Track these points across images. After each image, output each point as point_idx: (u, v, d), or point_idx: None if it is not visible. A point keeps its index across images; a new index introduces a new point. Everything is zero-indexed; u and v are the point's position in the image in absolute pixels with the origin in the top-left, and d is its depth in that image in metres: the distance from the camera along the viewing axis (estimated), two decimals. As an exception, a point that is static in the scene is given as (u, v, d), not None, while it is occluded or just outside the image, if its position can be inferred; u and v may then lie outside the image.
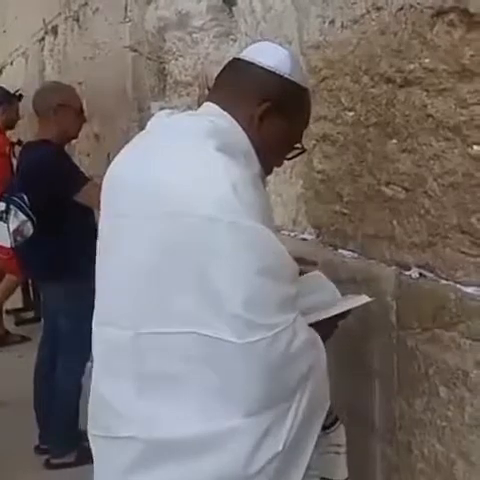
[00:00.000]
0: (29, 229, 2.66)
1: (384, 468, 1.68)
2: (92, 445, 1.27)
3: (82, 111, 3.04)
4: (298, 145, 1.38)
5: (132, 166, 1.22)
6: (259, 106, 1.25)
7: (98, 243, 1.28)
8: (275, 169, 2.22)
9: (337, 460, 1.40)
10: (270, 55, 1.27)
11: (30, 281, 4.94)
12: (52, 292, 2.95)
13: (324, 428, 1.35)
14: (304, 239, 2.07)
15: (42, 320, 3.25)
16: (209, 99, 1.31)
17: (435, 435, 1.48)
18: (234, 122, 1.23)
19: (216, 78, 1.35)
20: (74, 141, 3.59)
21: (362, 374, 1.72)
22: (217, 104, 1.27)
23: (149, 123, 1.33)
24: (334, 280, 1.57)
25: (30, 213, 2.66)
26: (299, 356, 1.14)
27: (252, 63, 1.27)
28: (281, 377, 1.12)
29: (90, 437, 1.27)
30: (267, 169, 1.35)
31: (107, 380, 1.21)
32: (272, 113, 1.25)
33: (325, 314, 1.33)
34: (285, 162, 2.12)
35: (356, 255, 1.78)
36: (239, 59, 1.30)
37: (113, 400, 1.18)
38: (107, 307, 1.23)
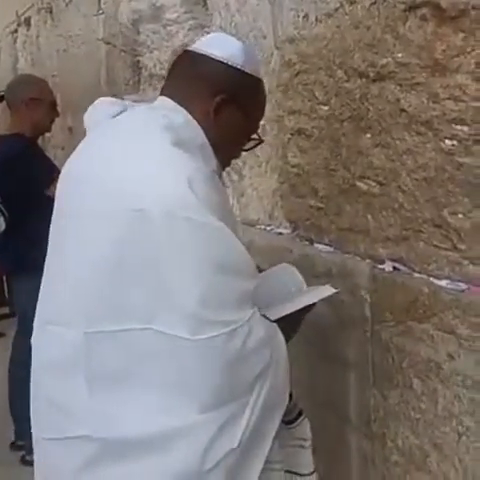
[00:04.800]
0: (1, 224, 2.62)
1: (359, 460, 1.70)
2: (37, 450, 1.24)
3: (55, 104, 3.00)
4: (255, 136, 1.37)
5: (86, 163, 1.20)
6: (213, 99, 1.23)
7: (49, 240, 1.25)
8: (250, 163, 2.22)
9: (302, 454, 1.40)
10: (222, 47, 1.26)
11: (4, 277, 4.88)
12: (24, 287, 2.90)
13: (288, 422, 1.36)
14: (280, 233, 2.07)
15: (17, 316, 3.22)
16: (162, 93, 1.29)
17: (409, 427, 1.50)
18: (189, 116, 1.22)
19: (168, 71, 1.32)
20: (48, 134, 3.55)
21: (337, 367, 1.73)
22: (171, 98, 1.25)
23: (90, 119, 1.31)
24: (310, 274, 1.58)
25: (2, 208, 2.62)
26: (255, 353, 1.13)
27: (204, 55, 1.25)
28: (237, 374, 1.11)
29: (35, 442, 1.24)
30: (225, 162, 1.33)
31: (55, 381, 1.18)
32: (227, 105, 1.24)
33: (291, 308, 1.33)
34: (259, 156, 2.12)
35: (331, 249, 1.78)
36: (191, 51, 1.28)
37: (64, 401, 1.16)
38: (57, 306, 1.20)
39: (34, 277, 2.77)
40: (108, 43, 3.58)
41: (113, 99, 1.32)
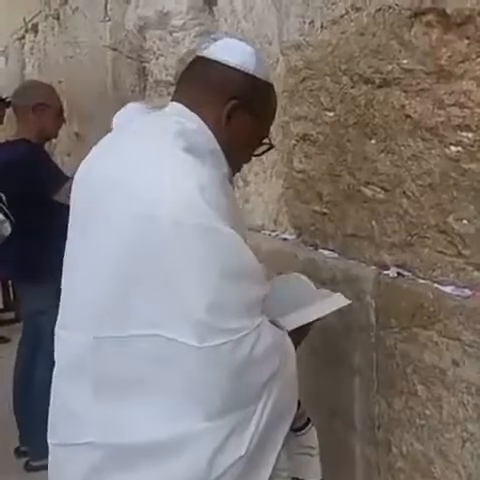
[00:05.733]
0: (7, 229, 2.63)
1: (364, 466, 1.69)
2: (50, 455, 1.25)
3: (61, 110, 3.02)
4: (266, 141, 1.38)
5: (101, 167, 1.21)
6: (226, 104, 1.24)
7: (67, 244, 1.26)
8: (256, 169, 2.23)
9: (309, 462, 1.40)
10: (234, 52, 1.27)
11: (10, 282, 4.90)
12: (31, 292, 2.92)
13: (296, 430, 1.36)
14: (285, 239, 2.07)
15: (22, 321, 3.23)
16: (174, 98, 1.30)
17: (413, 434, 1.49)
18: (201, 122, 1.23)
19: (180, 77, 1.34)
20: (54, 140, 3.57)
21: (342, 373, 1.72)
22: (183, 103, 1.26)
23: (115, 122, 1.32)
24: (315, 280, 1.57)
25: (8, 212, 2.63)
26: (263, 360, 1.13)
27: (217, 61, 1.26)
28: (244, 381, 1.11)
29: (50, 447, 1.25)
30: (235, 167, 1.34)
31: (67, 386, 1.19)
32: (239, 110, 1.25)
33: (305, 318, 1.33)
34: (265, 162, 2.13)
35: (336, 255, 1.78)
36: (203, 57, 1.29)
37: (73, 406, 1.16)
38: (69, 310, 1.21)
39: (38, 283, 2.78)
40: (114, 49, 3.60)
41: (139, 105, 1.33)
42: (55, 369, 1.25)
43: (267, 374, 1.15)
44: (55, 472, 1.24)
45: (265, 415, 1.15)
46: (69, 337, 1.19)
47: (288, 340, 1.23)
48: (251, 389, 1.13)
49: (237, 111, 1.25)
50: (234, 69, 1.25)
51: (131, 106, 1.34)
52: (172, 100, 1.30)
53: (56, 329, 1.25)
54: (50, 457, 1.25)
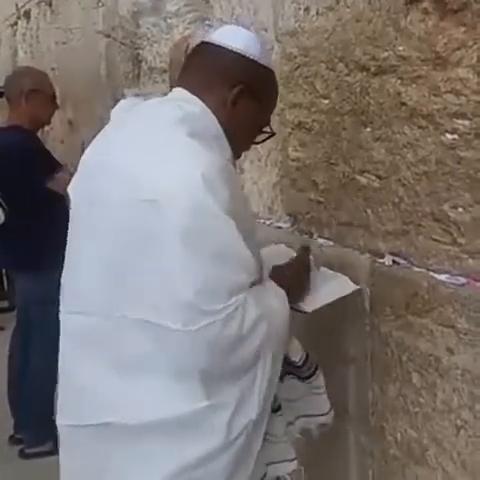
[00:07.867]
0: (0, 217, 2.62)
1: (358, 453, 1.70)
2: (66, 437, 1.26)
3: (54, 97, 2.99)
4: (267, 128, 1.38)
5: (104, 154, 1.22)
6: (231, 90, 1.25)
7: (69, 230, 1.28)
8: (251, 157, 2.22)
9: (318, 399, 1.49)
10: (238, 38, 1.28)
11: (4, 270, 4.88)
12: (25, 281, 2.91)
13: (305, 378, 1.45)
14: (280, 227, 2.07)
15: (16, 309, 3.22)
16: (179, 84, 1.30)
17: (408, 421, 1.50)
18: (204, 107, 1.23)
19: (185, 62, 1.34)
20: (47, 127, 3.55)
21: (337, 360, 1.73)
22: (187, 89, 1.27)
23: (116, 111, 1.33)
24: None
25: (1, 201, 2.62)
26: (252, 331, 1.15)
27: (221, 47, 1.26)
28: (238, 355, 1.14)
29: (65, 429, 1.26)
30: (236, 153, 1.35)
31: (85, 368, 1.21)
32: (244, 96, 1.26)
33: (323, 300, 1.43)
34: (260, 150, 2.12)
35: (331, 243, 1.78)
36: (208, 43, 1.29)
37: (95, 387, 1.19)
38: (76, 294, 1.23)
39: (32, 272, 2.77)
40: (108, 36, 3.57)
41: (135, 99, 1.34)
42: (66, 353, 1.27)
43: (259, 341, 1.17)
44: (68, 454, 1.27)
45: (266, 374, 1.20)
46: (81, 321, 1.21)
47: (276, 303, 1.25)
48: (247, 359, 1.17)
49: (243, 96, 1.26)
50: (240, 55, 1.26)
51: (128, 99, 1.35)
52: (177, 86, 1.30)
53: (64, 314, 1.27)
54: (66, 438, 1.27)
